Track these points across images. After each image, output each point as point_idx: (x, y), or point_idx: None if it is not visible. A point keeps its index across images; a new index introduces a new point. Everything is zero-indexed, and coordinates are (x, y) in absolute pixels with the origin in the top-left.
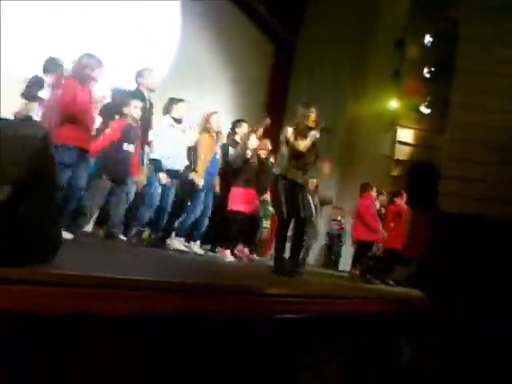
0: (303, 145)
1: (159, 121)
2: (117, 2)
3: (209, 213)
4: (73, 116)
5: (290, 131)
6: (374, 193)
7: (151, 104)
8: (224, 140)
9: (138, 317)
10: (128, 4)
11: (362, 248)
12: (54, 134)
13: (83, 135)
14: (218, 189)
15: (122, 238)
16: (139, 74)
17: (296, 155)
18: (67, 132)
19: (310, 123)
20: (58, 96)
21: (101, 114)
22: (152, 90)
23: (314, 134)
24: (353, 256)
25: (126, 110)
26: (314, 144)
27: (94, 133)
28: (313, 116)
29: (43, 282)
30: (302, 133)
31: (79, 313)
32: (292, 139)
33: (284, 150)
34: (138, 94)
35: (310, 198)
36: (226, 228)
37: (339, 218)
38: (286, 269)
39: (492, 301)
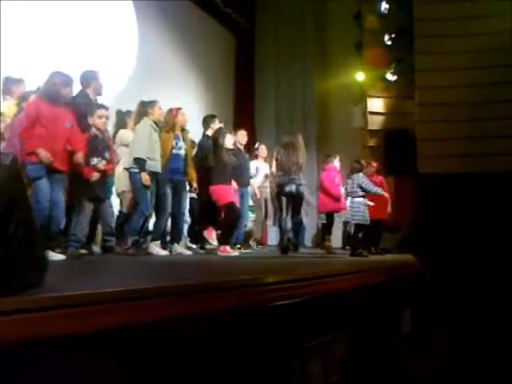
0: None
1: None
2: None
3: (183, 211)
4: (38, 134)
5: None
6: (337, 162)
7: None
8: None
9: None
10: (80, 11)
11: (330, 219)
12: (22, 151)
13: (51, 154)
14: (194, 185)
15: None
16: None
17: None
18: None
19: None
20: (22, 115)
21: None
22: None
23: None
24: (325, 229)
25: (90, 121)
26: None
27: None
28: None
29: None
30: None
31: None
32: None
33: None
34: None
35: None
36: (225, 223)
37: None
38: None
39: (481, 253)
